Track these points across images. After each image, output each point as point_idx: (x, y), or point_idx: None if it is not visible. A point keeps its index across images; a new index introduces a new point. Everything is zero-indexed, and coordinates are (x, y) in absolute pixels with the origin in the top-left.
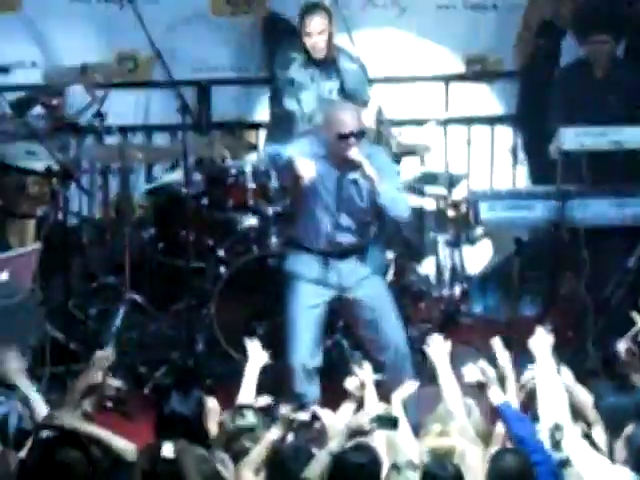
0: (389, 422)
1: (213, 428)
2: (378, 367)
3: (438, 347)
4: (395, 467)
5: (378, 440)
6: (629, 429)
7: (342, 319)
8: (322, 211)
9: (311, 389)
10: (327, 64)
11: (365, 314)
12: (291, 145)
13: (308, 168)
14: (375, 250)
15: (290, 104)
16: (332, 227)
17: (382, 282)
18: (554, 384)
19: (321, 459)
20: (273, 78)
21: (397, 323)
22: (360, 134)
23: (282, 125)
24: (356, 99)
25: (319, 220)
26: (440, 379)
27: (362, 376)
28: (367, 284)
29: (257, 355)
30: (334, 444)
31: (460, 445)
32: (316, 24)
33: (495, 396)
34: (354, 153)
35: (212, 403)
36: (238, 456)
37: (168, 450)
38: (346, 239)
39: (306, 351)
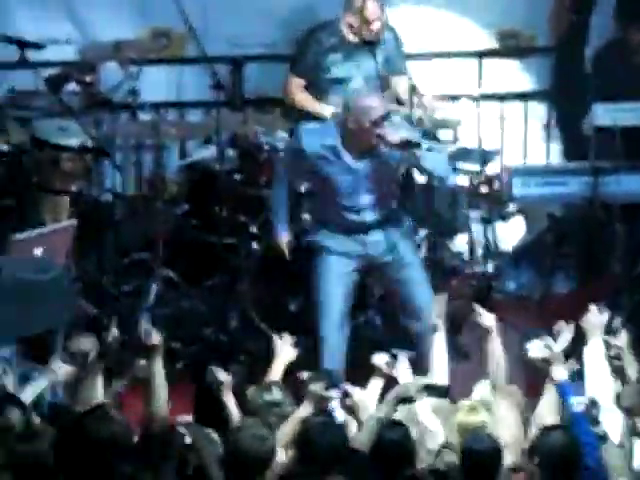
0: (438, 390)
1: (229, 401)
2: (409, 338)
3: (439, 307)
4: (438, 452)
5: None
6: None
7: (375, 289)
8: (341, 197)
9: (337, 362)
10: (373, 42)
11: (396, 276)
12: (305, 135)
13: (282, 246)
14: (400, 216)
15: (336, 100)
16: (355, 211)
17: (411, 247)
18: (602, 364)
19: (369, 425)
20: (312, 80)
21: (429, 291)
22: (387, 115)
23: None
24: (395, 70)
25: (340, 206)
26: (434, 343)
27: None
28: (395, 250)
29: (286, 351)
30: (382, 411)
31: (487, 419)
32: (374, 9)
33: (558, 373)
34: (391, 133)
35: (224, 376)
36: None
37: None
38: (369, 217)
39: (335, 320)
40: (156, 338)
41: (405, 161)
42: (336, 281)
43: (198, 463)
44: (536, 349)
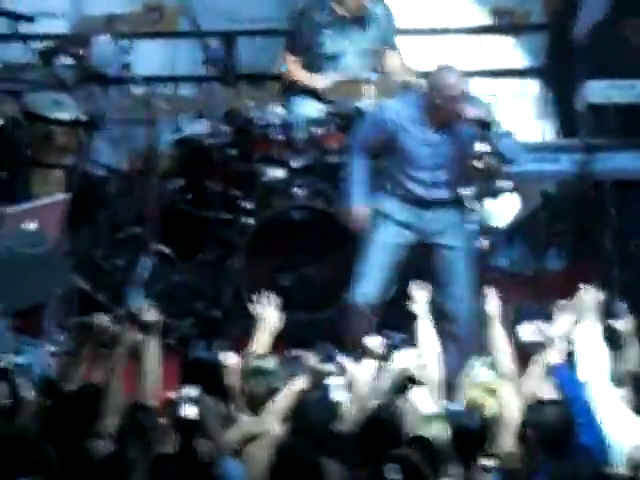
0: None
1: (233, 384)
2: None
3: (420, 298)
4: (426, 418)
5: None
6: None
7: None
8: (416, 171)
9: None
10: (359, 17)
11: (441, 259)
12: (387, 107)
13: (361, 217)
14: (463, 200)
15: (329, 74)
16: (425, 185)
17: (466, 233)
18: (596, 345)
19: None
20: (305, 56)
21: (470, 282)
22: (466, 92)
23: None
24: (386, 45)
25: (412, 179)
26: (419, 331)
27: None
28: (451, 231)
29: (272, 319)
30: (387, 383)
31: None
32: None
33: (552, 356)
34: (472, 110)
35: (233, 359)
36: (249, 398)
37: (191, 410)
38: (438, 194)
39: (372, 286)
40: (154, 315)
41: (479, 139)
42: (386, 248)
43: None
44: (528, 333)
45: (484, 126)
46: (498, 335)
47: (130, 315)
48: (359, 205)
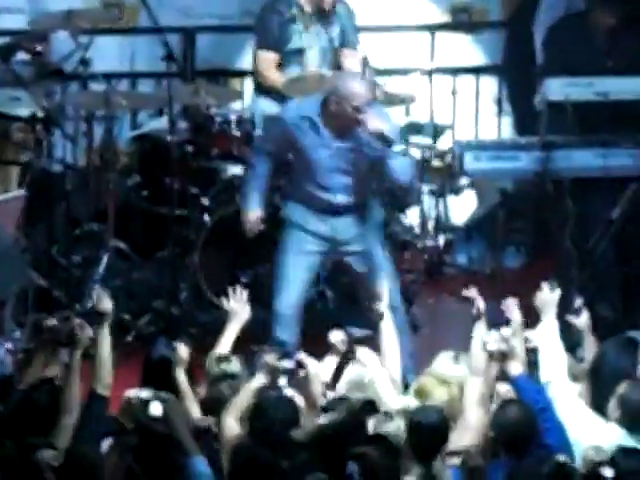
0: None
1: (181, 376)
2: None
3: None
4: (387, 414)
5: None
6: (623, 388)
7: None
8: (317, 176)
9: (290, 335)
10: (324, 14)
11: (360, 268)
12: (288, 108)
13: (253, 223)
14: (374, 207)
15: (293, 71)
16: (328, 190)
17: (378, 238)
18: (556, 343)
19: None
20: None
21: (393, 279)
22: (371, 102)
23: None
24: (347, 43)
25: (314, 183)
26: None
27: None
28: (362, 239)
29: (241, 312)
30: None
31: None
32: None
33: (514, 368)
34: (375, 122)
35: (183, 351)
36: (216, 402)
37: (156, 408)
38: (343, 200)
39: (292, 296)
40: (107, 303)
41: (377, 153)
42: (299, 258)
43: (167, 433)
44: (493, 342)
45: (385, 141)
46: (478, 332)
47: (85, 312)
48: (252, 210)
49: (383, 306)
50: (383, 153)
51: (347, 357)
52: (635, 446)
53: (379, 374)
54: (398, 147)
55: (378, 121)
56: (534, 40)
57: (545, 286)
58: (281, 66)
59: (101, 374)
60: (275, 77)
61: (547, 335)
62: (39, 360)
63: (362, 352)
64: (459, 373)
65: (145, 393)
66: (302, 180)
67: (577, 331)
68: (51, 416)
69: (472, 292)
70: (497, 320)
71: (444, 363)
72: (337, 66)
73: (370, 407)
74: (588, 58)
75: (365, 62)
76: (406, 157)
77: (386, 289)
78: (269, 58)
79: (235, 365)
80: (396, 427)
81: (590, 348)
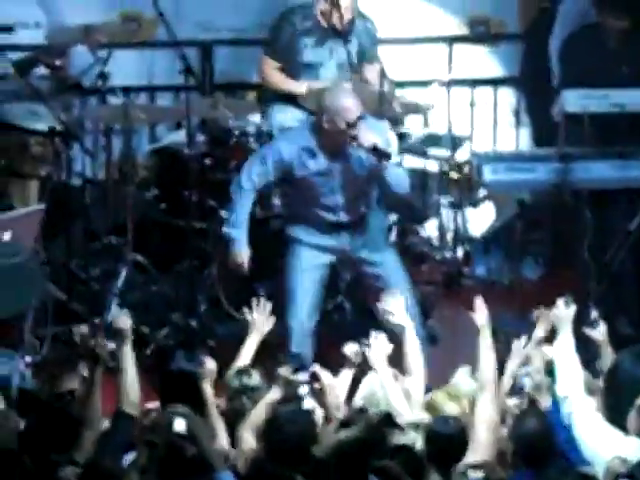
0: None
1: (207, 389)
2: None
3: (378, 349)
4: (401, 428)
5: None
6: None
7: (344, 274)
8: (318, 197)
9: (305, 350)
10: (346, 31)
11: (372, 276)
12: (279, 149)
13: (242, 256)
14: (377, 214)
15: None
16: (331, 210)
17: (385, 242)
18: (572, 358)
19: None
20: (285, 63)
21: (405, 285)
22: (363, 117)
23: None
24: (367, 58)
25: (317, 205)
26: (406, 342)
27: (375, 347)
28: (369, 246)
29: (261, 324)
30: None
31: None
32: None
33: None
34: (368, 136)
35: (211, 364)
36: (237, 415)
37: (180, 425)
38: (346, 217)
39: (304, 312)
40: (124, 321)
41: (372, 167)
42: (307, 273)
43: (195, 452)
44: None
45: (382, 155)
46: (483, 345)
47: (105, 326)
48: (243, 251)
49: (401, 318)
50: (379, 166)
51: (362, 369)
52: None
53: (392, 387)
54: (393, 159)
55: (371, 135)
56: (550, 52)
57: (560, 302)
58: (295, 79)
59: (127, 392)
60: (283, 81)
61: (563, 350)
62: (59, 374)
63: (376, 362)
64: (473, 387)
65: (168, 409)
66: (303, 203)
67: (595, 344)
68: (73, 430)
69: (478, 303)
70: (516, 330)
71: (460, 378)
72: (358, 78)
73: (389, 420)
74: (603, 67)
75: (382, 74)
76: (401, 169)
77: (402, 300)
78: (272, 64)
79: (255, 378)
80: (411, 440)
81: (608, 361)
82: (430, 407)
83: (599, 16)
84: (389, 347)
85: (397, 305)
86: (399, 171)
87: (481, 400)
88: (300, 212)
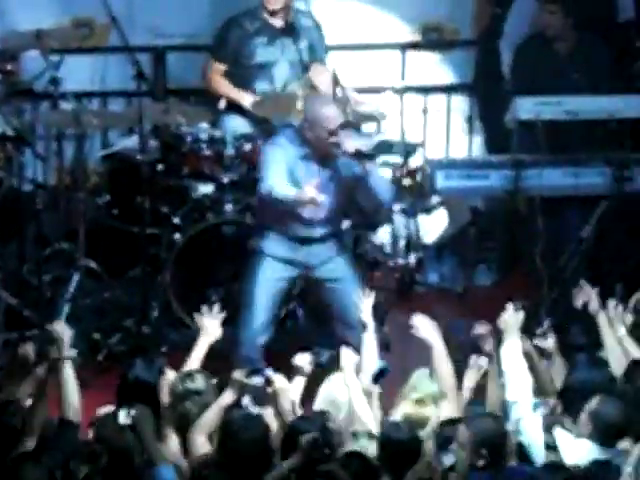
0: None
1: (165, 398)
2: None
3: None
4: (354, 435)
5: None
6: (594, 403)
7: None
8: (298, 210)
9: (256, 353)
10: (290, 27)
11: (330, 293)
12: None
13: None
14: (346, 230)
15: (261, 86)
16: (308, 224)
17: (348, 262)
18: (519, 364)
19: None
20: (233, 66)
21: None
22: (345, 124)
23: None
24: (316, 58)
25: (292, 218)
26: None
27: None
28: (332, 264)
29: (212, 329)
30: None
31: (434, 414)
32: None
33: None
34: (350, 143)
35: (171, 375)
36: (181, 419)
37: (124, 416)
38: (321, 231)
39: (259, 325)
40: (61, 328)
41: (357, 173)
42: (269, 285)
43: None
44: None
45: (363, 158)
46: (437, 356)
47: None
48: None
49: (367, 316)
50: (363, 173)
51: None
52: (607, 459)
53: (355, 390)
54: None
55: (352, 140)
56: (502, 59)
57: (510, 306)
58: (243, 80)
59: (69, 401)
60: (229, 90)
61: (511, 356)
62: (11, 379)
63: (345, 355)
64: (434, 388)
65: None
66: (279, 215)
67: (546, 353)
68: (14, 438)
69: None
70: (467, 338)
71: (421, 380)
72: (308, 81)
73: (326, 447)
74: (554, 75)
75: (335, 79)
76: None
77: (360, 303)
78: (219, 69)
79: (199, 382)
80: (364, 447)
81: (559, 370)
82: (406, 420)
83: (540, 9)
84: (355, 356)
85: (366, 303)
86: (383, 178)
87: (443, 407)
88: (273, 223)
